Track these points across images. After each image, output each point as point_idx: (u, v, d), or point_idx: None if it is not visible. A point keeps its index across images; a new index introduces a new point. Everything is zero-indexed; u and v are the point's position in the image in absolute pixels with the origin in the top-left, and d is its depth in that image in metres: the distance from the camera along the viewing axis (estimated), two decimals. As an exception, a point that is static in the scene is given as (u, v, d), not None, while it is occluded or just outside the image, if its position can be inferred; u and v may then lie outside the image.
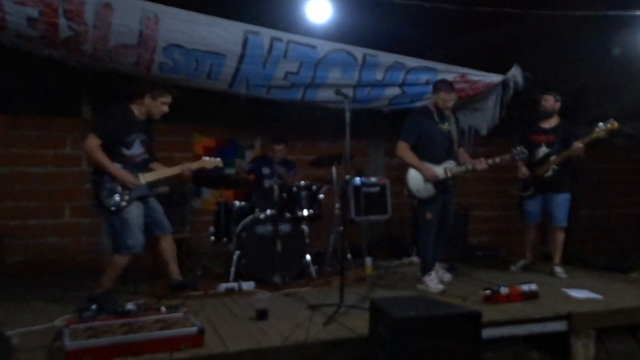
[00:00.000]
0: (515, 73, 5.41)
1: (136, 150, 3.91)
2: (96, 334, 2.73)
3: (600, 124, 4.60)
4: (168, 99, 4.01)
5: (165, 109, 4.02)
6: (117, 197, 3.76)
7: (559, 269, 4.98)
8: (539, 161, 4.97)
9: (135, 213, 3.84)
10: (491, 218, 7.56)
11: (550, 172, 4.90)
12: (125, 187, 3.79)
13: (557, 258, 5.06)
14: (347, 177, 3.84)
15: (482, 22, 5.31)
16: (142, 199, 3.94)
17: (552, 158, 4.88)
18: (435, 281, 4.38)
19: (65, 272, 5.42)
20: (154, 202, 4.07)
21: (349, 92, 5.18)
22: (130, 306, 3.18)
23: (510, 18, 5.19)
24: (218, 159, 4.30)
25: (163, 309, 3.21)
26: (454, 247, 5.71)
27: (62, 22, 4.04)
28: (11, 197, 5.62)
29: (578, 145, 4.66)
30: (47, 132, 5.84)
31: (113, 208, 3.74)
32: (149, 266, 4.72)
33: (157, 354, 2.71)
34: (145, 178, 3.92)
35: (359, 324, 3.24)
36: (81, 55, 4.41)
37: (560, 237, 5.05)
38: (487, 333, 3.42)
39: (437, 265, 4.70)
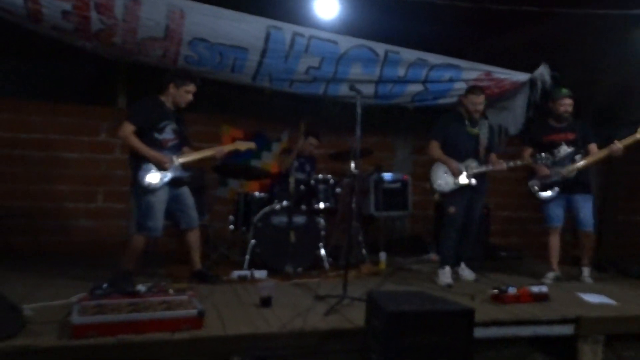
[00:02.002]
0: (543, 72, 5.31)
1: (168, 135, 4.11)
2: (103, 311, 2.89)
3: None
4: (191, 87, 4.15)
5: (190, 97, 4.17)
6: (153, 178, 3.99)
7: (586, 273, 4.81)
8: (560, 161, 4.69)
9: (161, 198, 4.06)
10: (518, 219, 7.44)
11: (574, 172, 4.66)
12: (160, 168, 4.00)
13: (586, 261, 4.87)
14: (356, 171, 3.89)
15: (508, 22, 5.25)
16: (176, 181, 4.13)
17: (578, 158, 4.63)
18: (446, 275, 4.44)
19: (95, 253, 5.68)
20: (186, 194, 4.26)
21: (371, 88, 5.24)
22: (140, 287, 3.33)
23: (548, 17, 5.09)
24: (252, 142, 4.51)
25: (171, 291, 3.35)
26: (476, 247, 5.65)
27: (94, 15, 4.26)
28: (48, 180, 5.92)
29: (618, 146, 4.43)
30: (83, 120, 6.11)
31: (149, 187, 3.97)
32: (168, 251, 4.91)
33: (159, 333, 2.85)
34: (179, 160, 4.13)
35: (359, 316, 3.25)
36: (112, 47, 4.63)
37: (590, 240, 4.81)
38: (490, 332, 3.42)
39: (462, 265, 4.73)
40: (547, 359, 3.67)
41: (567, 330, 3.57)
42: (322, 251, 4.87)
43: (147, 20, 4.37)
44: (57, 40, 4.64)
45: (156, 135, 4.05)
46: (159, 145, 4.05)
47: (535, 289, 3.92)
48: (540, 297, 3.90)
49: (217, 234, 5.45)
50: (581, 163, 4.63)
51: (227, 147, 4.41)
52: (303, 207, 4.93)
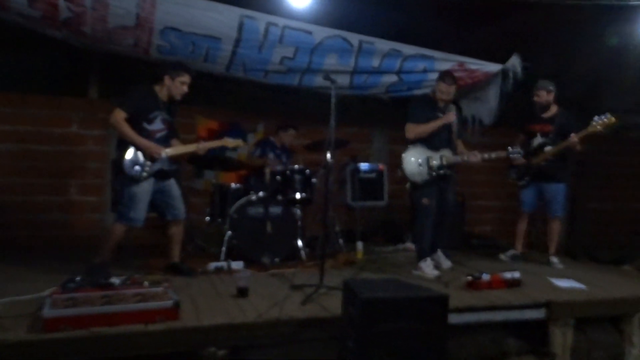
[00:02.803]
0: (515, 63, 5.37)
1: (157, 126, 4.09)
2: (75, 303, 2.85)
3: (596, 117, 4.58)
4: (186, 78, 4.12)
5: (185, 88, 4.15)
6: (138, 168, 3.97)
7: (554, 259, 5.00)
8: (533, 151, 4.96)
9: (145, 189, 4.04)
10: (494, 208, 7.54)
11: (544, 162, 4.90)
12: (148, 158, 3.98)
13: (553, 248, 5.08)
14: (330, 161, 3.89)
15: (483, 14, 5.27)
16: (162, 173, 4.12)
17: (547, 149, 4.86)
18: (430, 267, 4.47)
19: (68, 247, 5.58)
20: (172, 186, 4.24)
21: (346, 78, 5.24)
22: (114, 279, 3.29)
23: (521, 8, 5.12)
24: (240, 140, 4.51)
25: (146, 283, 3.32)
26: (451, 236, 5.70)
27: (61, 2, 4.15)
28: (19, 173, 5.77)
29: (574, 139, 4.65)
30: (55, 111, 5.96)
31: (134, 177, 3.94)
32: (144, 244, 4.85)
33: (133, 325, 2.82)
34: (166, 151, 4.11)
35: (336, 304, 3.28)
36: (82, 36, 4.53)
37: (555, 227, 5.07)
38: (464, 318, 3.48)
39: (439, 252, 4.76)
40: (520, 343, 3.76)
41: (538, 314, 3.67)
42: (299, 241, 4.87)
43: (117, 9, 4.27)
44: (27, 29, 4.52)
45: (145, 125, 4.04)
46: (146, 136, 4.02)
47: (508, 275, 4.01)
48: (513, 283, 3.99)
49: (193, 226, 5.40)
50: (547, 151, 4.85)
51: (215, 143, 4.41)
52: (279, 197, 4.92)
